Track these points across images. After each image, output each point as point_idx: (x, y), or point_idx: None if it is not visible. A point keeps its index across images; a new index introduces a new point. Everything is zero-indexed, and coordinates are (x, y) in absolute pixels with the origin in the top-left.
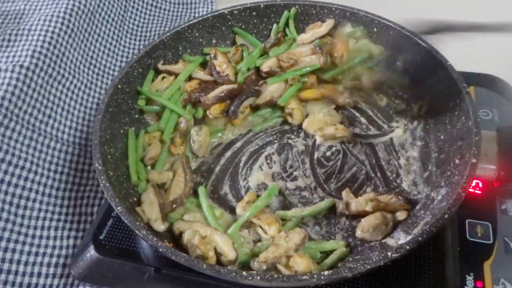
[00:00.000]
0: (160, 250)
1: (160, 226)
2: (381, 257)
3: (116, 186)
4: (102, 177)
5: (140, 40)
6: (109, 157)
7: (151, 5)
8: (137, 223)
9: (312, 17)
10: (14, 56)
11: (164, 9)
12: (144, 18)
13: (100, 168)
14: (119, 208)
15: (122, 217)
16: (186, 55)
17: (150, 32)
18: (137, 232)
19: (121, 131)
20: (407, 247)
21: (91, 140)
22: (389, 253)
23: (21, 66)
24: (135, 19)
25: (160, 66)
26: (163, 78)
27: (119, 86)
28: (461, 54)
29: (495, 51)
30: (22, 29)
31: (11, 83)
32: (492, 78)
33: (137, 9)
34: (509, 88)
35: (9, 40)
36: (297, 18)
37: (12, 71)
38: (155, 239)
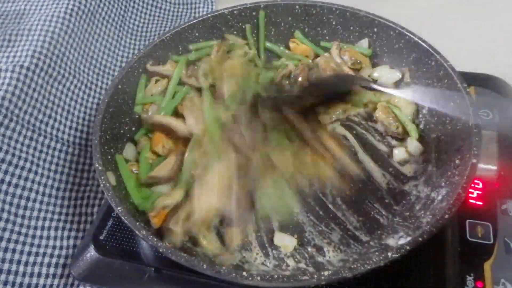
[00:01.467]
0: (160, 250)
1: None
2: (381, 258)
3: (116, 186)
4: (102, 177)
5: (140, 40)
6: (109, 157)
7: (151, 5)
8: (137, 223)
9: (312, 17)
10: (14, 56)
11: (165, 9)
12: (145, 19)
13: (100, 168)
14: (119, 208)
15: (122, 217)
16: (174, 56)
17: (151, 32)
18: (137, 232)
19: (121, 131)
20: (407, 247)
21: (91, 140)
22: (389, 253)
23: (21, 66)
24: (135, 19)
25: (149, 67)
26: (156, 81)
27: (119, 86)
28: (461, 54)
29: (496, 50)
30: (23, 29)
31: (11, 83)
32: (493, 78)
33: (137, 9)
34: (510, 88)
35: (9, 40)
36: (298, 18)
37: (12, 71)
38: (155, 239)
